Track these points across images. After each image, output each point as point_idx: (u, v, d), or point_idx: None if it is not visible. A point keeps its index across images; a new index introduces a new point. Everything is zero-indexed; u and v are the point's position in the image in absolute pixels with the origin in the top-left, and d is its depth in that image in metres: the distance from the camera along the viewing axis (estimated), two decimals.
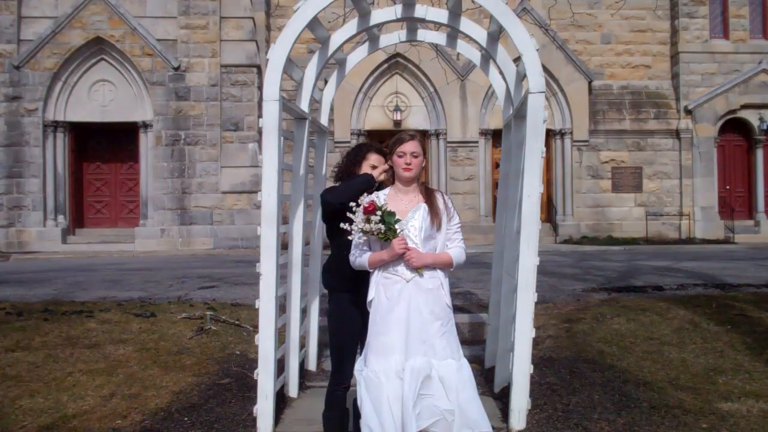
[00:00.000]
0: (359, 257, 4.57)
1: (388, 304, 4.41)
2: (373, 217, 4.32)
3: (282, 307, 6.21)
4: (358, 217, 4.38)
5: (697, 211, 28.74)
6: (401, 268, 4.43)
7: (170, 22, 26.54)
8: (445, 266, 4.55)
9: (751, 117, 29.05)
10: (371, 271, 4.54)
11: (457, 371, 4.37)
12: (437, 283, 4.48)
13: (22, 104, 25.59)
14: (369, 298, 4.54)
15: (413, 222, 4.47)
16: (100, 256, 23.46)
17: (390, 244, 4.37)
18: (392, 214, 4.36)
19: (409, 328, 4.33)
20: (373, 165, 5.17)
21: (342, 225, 4.54)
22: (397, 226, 4.36)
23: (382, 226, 4.32)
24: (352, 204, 4.47)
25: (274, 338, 5.54)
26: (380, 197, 4.56)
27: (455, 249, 4.57)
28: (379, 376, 4.29)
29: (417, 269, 4.41)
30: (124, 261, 21.40)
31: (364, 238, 4.51)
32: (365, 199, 4.46)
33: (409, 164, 4.53)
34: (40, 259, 22.98)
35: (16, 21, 25.88)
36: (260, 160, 5.71)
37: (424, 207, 4.52)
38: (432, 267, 4.47)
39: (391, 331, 4.35)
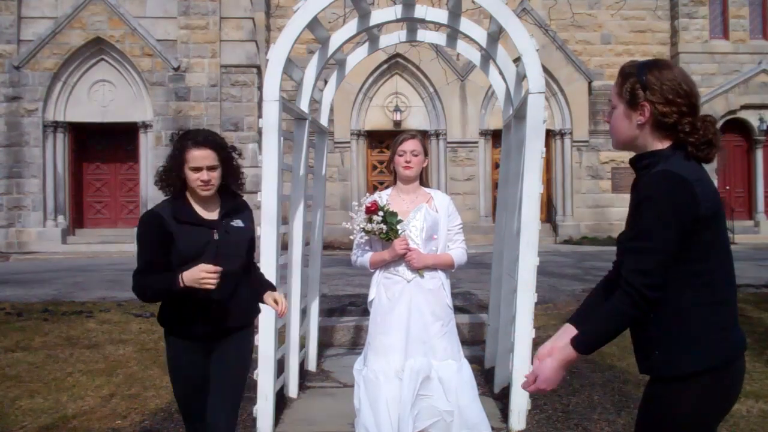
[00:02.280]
0: (360, 257, 4.58)
1: (388, 304, 4.41)
2: (375, 217, 4.32)
3: None
4: (360, 216, 4.39)
5: None
6: (402, 269, 4.43)
7: (170, 22, 26.52)
8: (447, 267, 4.55)
9: (751, 117, 29.03)
10: (372, 271, 4.54)
11: (458, 372, 4.37)
12: (438, 283, 4.48)
13: (22, 104, 25.56)
14: (370, 297, 4.55)
15: (415, 222, 4.47)
16: (99, 257, 23.45)
17: (391, 245, 4.37)
18: (394, 214, 4.37)
19: (410, 329, 4.33)
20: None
21: (344, 224, 4.55)
22: (398, 227, 4.36)
23: (384, 226, 4.32)
24: (355, 203, 4.49)
25: (274, 339, 5.54)
26: (382, 197, 4.57)
27: (456, 250, 4.57)
28: (378, 376, 4.29)
29: (418, 270, 4.41)
30: (124, 261, 21.37)
31: (366, 237, 4.51)
32: (367, 199, 4.47)
33: (409, 162, 4.52)
34: (40, 259, 22.98)
35: (16, 21, 25.86)
36: (260, 160, 5.71)
37: (425, 207, 4.52)
38: (433, 268, 4.47)
39: (391, 331, 4.35)
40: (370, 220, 4.34)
